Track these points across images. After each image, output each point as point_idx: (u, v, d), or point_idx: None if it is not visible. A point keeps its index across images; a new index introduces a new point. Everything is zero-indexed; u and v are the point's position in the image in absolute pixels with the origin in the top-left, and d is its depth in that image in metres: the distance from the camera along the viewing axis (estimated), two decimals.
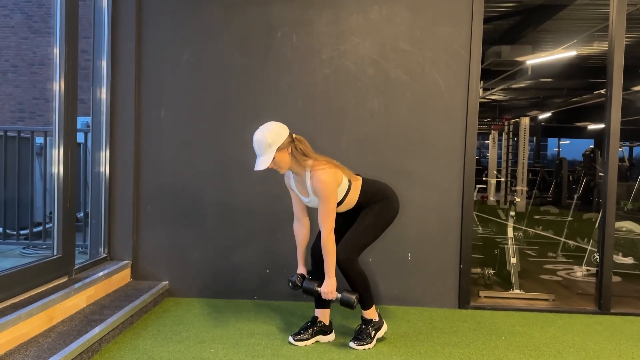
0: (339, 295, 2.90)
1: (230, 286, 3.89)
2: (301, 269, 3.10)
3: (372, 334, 3.01)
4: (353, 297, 2.87)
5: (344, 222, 3.02)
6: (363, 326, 3.04)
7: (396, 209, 3.05)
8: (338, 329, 3.24)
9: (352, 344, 2.98)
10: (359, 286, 2.95)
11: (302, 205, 3.05)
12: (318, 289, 2.92)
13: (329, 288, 2.87)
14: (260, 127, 2.82)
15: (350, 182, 2.92)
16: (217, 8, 3.85)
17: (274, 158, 2.77)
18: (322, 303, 3.06)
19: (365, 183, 2.99)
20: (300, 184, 2.94)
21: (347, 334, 3.20)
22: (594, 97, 14.46)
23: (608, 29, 3.84)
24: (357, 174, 3.03)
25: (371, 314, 3.04)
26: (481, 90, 11.33)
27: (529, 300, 4.05)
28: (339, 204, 2.91)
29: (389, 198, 3.02)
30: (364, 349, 2.95)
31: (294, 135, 2.86)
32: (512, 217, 4.87)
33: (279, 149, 2.77)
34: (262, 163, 2.77)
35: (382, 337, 3.09)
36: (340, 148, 3.82)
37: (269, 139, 2.75)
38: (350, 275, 2.92)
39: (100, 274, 3.47)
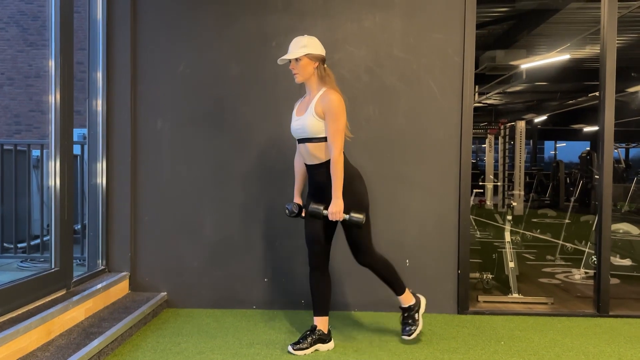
0: (347, 217, 2.85)
1: (229, 296, 3.88)
2: (297, 200, 3.14)
3: (416, 316, 3.15)
4: (361, 216, 2.83)
5: (324, 230, 3.01)
6: (405, 314, 3.16)
7: (365, 193, 2.99)
8: (337, 337, 3.24)
9: (404, 337, 3.10)
10: (386, 273, 3.07)
11: None
12: (325, 211, 2.88)
13: (336, 208, 2.84)
14: None
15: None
16: (212, 18, 3.87)
17: (300, 60, 2.88)
18: (321, 310, 3.06)
19: (346, 156, 2.94)
20: (304, 104, 2.99)
21: (346, 342, 3.19)
22: (588, 99, 14.53)
23: (600, 33, 3.87)
24: None
25: (407, 299, 3.15)
26: (476, 94, 11.34)
27: (528, 304, 4.05)
28: (320, 140, 2.87)
29: (357, 186, 2.96)
30: (416, 334, 3.11)
31: (326, 66, 2.98)
32: (510, 220, 4.88)
33: (309, 56, 2.89)
34: (290, 55, 2.91)
35: (381, 343, 3.10)
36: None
37: (306, 41, 2.91)
38: (376, 268, 3.05)
39: (99, 286, 3.46)
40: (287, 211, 3.04)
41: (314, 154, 2.92)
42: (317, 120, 2.87)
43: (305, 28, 3.84)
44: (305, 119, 2.91)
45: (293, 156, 3.26)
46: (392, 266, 3.11)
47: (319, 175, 2.95)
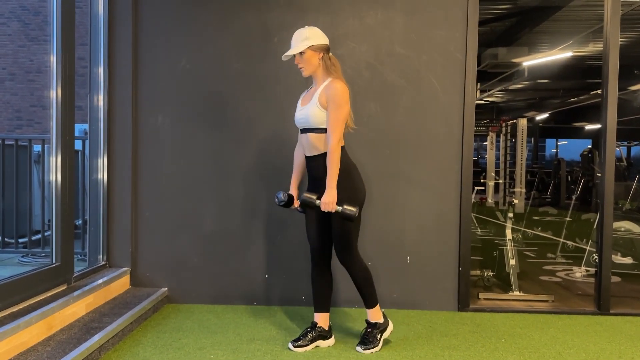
0: (340, 208, 2.80)
1: (230, 292, 3.88)
2: (292, 191, 3.10)
3: (378, 336, 3.01)
4: (354, 210, 2.78)
5: (317, 217, 2.99)
6: (368, 329, 3.04)
7: (363, 190, 2.95)
8: (338, 334, 3.24)
9: (358, 348, 2.97)
10: (362, 282, 2.96)
11: None
12: (317, 201, 2.84)
13: (329, 199, 2.79)
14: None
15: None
16: (214, 14, 3.86)
17: (304, 53, 2.86)
18: (322, 306, 3.06)
19: (343, 149, 2.90)
20: (309, 94, 2.97)
21: (347, 338, 3.19)
22: (590, 97, 14.49)
23: (603, 30, 3.85)
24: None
25: (375, 315, 3.03)
26: (478, 92, 11.35)
27: (529, 302, 4.05)
28: (323, 130, 2.85)
29: (353, 180, 2.90)
30: (371, 352, 2.95)
31: (331, 54, 2.95)
32: (511, 218, 4.87)
33: (313, 48, 2.87)
34: (292, 50, 2.88)
35: (387, 339, 3.09)
36: None
37: (308, 33, 2.88)
38: (352, 270, 2.94)
39: (99, 281, 3.46)
40: (276, 200, 2.98)
41: (315, 144, 2.90)
42: (321, 110, 2.84)
43: (306, 24, 3.79)
44: (308, 109, 2.89)
45: (293, 152, 3.24)
46: (371, 277, 2.99)
47: (318, 167, 2.91)
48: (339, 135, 2.82)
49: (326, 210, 2.81)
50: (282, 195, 2.96)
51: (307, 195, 2.88)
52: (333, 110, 2.80)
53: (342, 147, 2.90)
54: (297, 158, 3.13)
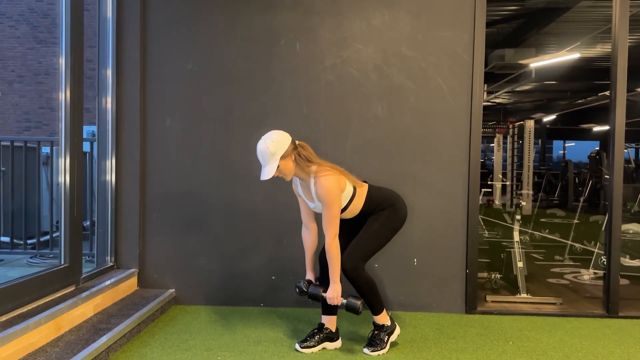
0: (345, 301, 2.90)
1: (237, 293, 3.89)
2: (309, 275, 3.10)
3: (385, 338, 3.01)
4: (359, 303, 2.87)
5: (351, 227, 3.02)
6: (375, 332, 3.04)
7: (403, 217, 3.03)
8: (345, 336, 3.24)
9: (365, 350, 2.97)
10: (367, 294, 2.95)
11: (310, 211, 3.05)
12: (323, 294, 2.92)
13: (334, 294, 2.87)
14: (263, 137, 2.83)
15: (355, 188, 2.91)
16: (221, 16, 3.87)
17: (278, 167, 2.78)
18: (329, 309, 3.07)
19: (372, 189, 2.99)
20: (306, 189, 2.94)
21: (354, 340, 3.19)
22: (598, 98, 14.42)
23: (611, 31, 3.84)
24: (364, 181, 3.02)
25: (382, 319, 3.03)
26: (485, 93, 11.31)
27: (537, 305, 4.03)
28: (343, 210, 2.91)
29: (396, 205, 3.01)
30: (378, 355, 2.95)
31: (297, 142, 2.88)
32: (518, 220, 4.85)
33: (283, 157, 2.78)
34: (267, 172, 2.78)
35: (395, 341, 3.09)
36: (344, 153, 3.83)
37: (272, 148, 2.77)
38: (357, 283, 2.92)
39: (107, 282, 3.48)
40: (297, 290, 3.03)
41: (352, 211, 2.96)
42: None
43: (313, 26, 3.84)
44: (319, 205, 2.88)
45: (302, 235, 3.16)
46: (376, 286, 2.98)
47: (364, 215, 2.98)
48: (335, 231, 2.83)
49: (332, 304, 2.91)
50: (302, 285, 3.02)
51: (314, 288, 2.96)
52: (325, 210, 2.81)
53: (369, 188, 2.97)
54: (306, 242, 3.11)
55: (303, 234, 3.11)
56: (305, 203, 3.01)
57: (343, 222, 2.97)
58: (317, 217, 3.07)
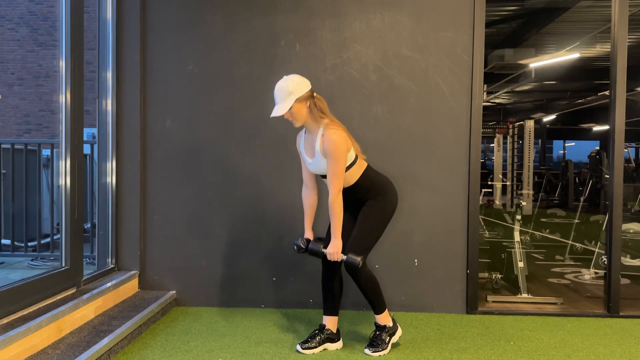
0: (345, 257, 2.86)
1: (238, 294, 3.89)
2: (308, 234, 3.10)
3: (387, 339, 3.01)
4: (358, 259, 2.83)
5: (345, 224, 2.98)
6: (377, 332, 3.04)
7: (394, 204, 3.02)
8: (346, 336, 3.24)
9: (367, 351, 2.98)
10: (369, 291, 2.97)
11: (311, 174, 3.06)
12: (324, 250, 2.90)
13: (334, 249, 2.85)
14: (284, 77, 2.88)
15: (356, 156, 2.93)
16: (221, 18, 3.88)
17: (291, 108, 2.81)
18: (331, 309, 3.06)
19: (370, 168, 3.00)
20: (308, 144, 2.95)
21: (355, 341, 3.19)
22: (598, 98, 14.42)
23: (610, 31, 3.84)
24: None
25: (384, 319, 3.04)
26: (485, 93, 11.30)
27: (537, 304, 4.03)
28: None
29: (387, 193, 2.99)
30: (379, 355, 2.95)
31: (315, 93, 2.90)
32: (519, 220, 4.85)
33: (298, 100, 2.82)
34: (280, 110, 2.82)
35: (396, 342, 3.09)
36: None
37: (291, 87, 2.82)
38: (360, 279, 2.93)
39: (109, 284, 3.48)
40: (295, 247, 3.04)
41: (347, 180, 2.93)
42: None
43: (313, 27, 3.84)
44: (318, 162, 2.89)
45: (302, 194, 3.18)
46: (378, 284, 3.00)
47: (355, 193, 2.96)
48: (339, 186, 2.83)
49: (332, 260, 2.89)
50: (300, 243, 3.02)
51: (314, 244, 2.96)
52: (331, 164, 2.81)
53: (368, 167, 2.97)
54: (306, 200, 3.11)
55: (303, 193, 3.12)
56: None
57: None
58: (321, 188, 3.08)
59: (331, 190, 2.82)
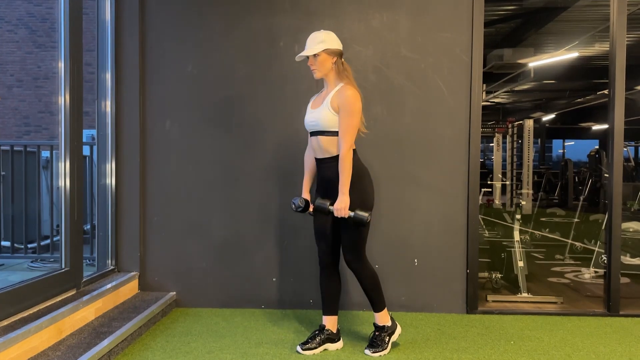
0: (352, 214, 2.83)
1: (238, 295, 3.89)
2: (305, 195, 3.12)
3: (387, 339, 3.01)
4: (366, 215, 2.81)
5: (332, 225, 3.00)
6: (376, 332, 3.04)
7: (373, 194, 2.98)
8: (346, 337, 3.24)
9: (367, 351, 2.98)
10: (369, 288, 2.98)
11: None
12: (330, 207, 2.88)
13: (342, 205, 2.82)
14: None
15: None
16: (220, 19, 3.88)
17: (319, 55, 2.88)
18: (330, 309, 3.07)
19: (356, 152, 2.93)
20: (319, 98, 2.99)
21: (355, 341, 3.19)
22: (597, 97, 14.44)
23: (609, 30, 3.84)
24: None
25: (383, 319, 3.04)
26: (484, 93, 11.32)
27: (537, 304, 4.03)
28: (334, 134, 2.86)
29: (362, 179, 2.92)
30: (380, 355, 2.95)
31: (344, 61, 2.97)
32: (518, 220, 4.85)
33: (327, 52, 2.89)
34: (308, 51, 2.90)
35: (396, 342, 3.09)
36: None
37: (324, 37, 2.91)
38: (361, 275, 2.95)
39: (108, 286, 3.48)
40: (293, 206, 3.01)
41: (326, 147, 2.90)
42: (332, 114, 2.85)
43: (312, 28, 3.82)
44: (320, 112, 2.90)
45: (301, 156, 3.25)
46: (379, 281, 3.01)
47: (328, 169, 2.93)
48: (351, 142, 2.83)
49: (339, 216, 2.84)
50: (298, 202, 3.00)
51: (320, 201, 2.92)
52: (345, 117, 2.82)
53: (354, 151, 2.91)
54: (307, 161, 3.14)
55: (306, 154, 3.14)
56: None
57: (322, 222, 3.00)
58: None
59: (342, 146, 2.82)
